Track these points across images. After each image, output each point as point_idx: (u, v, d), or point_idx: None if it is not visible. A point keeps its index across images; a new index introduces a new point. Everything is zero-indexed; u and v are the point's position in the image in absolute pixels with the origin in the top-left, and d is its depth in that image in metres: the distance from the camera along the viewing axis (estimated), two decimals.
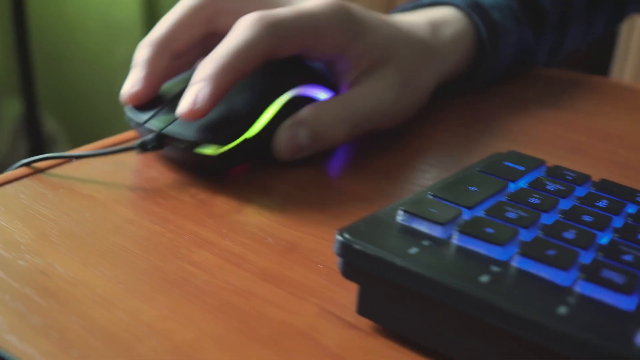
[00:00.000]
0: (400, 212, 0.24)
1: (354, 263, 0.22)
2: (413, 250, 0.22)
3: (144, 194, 0.31)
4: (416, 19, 0.40)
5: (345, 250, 0.22)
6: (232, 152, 0.32)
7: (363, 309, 0.23)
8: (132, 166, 0.33)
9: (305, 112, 0.33)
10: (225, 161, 0.32)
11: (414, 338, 0.22)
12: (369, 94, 0.35)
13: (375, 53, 0.35)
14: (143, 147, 0.31)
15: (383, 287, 0.22)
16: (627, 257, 0.22)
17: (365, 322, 0.23)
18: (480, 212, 0.24)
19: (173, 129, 0.31)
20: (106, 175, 0.32)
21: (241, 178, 0.33)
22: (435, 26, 0.40)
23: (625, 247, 0.23)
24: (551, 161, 0.32)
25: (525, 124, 0.42)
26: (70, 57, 1.42)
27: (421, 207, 0.24)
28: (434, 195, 0.25)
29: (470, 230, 0.23)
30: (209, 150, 0.31)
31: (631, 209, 0.27)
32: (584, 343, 0.19)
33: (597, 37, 0.57)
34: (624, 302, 0.20)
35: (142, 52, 0.34)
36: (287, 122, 0.33)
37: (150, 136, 0.31)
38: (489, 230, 0.23)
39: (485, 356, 0.21)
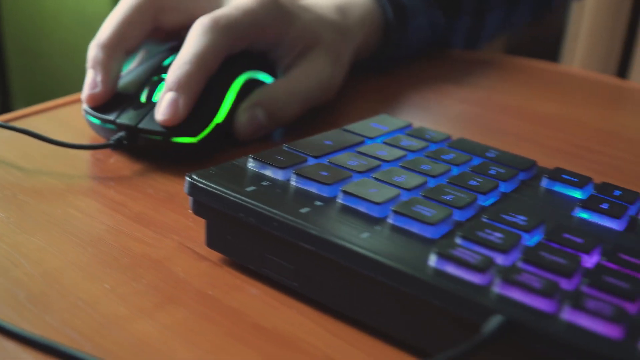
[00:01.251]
0: (250, 159, 0.27)
1: (199, 200, 0.25)
2: (250, 188, 0.25)
3: (50, 152, 0.34)
4: (325, 3, 0.43)
5: (193, 190, 0.25)
6: (209, 137, 0.34)
7: (210, 242, 0.26)
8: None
9: (259, 94, 0.36)
10: (204, 147, 0.34)
11: (253, 267, 0.25)
12: (311, 72, 0.38)
13: (306, 37, 0.38)
14: (119, 143, 0.33)
15: (225, 221, 0.25)
16: (447, 197, 0.25)
17: (215, 255, 0.26)
18: (324, 160, 0.27)
19: (147, 124, 0.33)
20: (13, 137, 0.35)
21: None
22: (342, 9, 0.43)
23: (449, 189, 0.26)
24: (449, 132, 0.34)
25: (431, 99, 0.45)
26: (44, 51, 1.44)
27: (270, 155, 0.27)
28: (288, 147, 0.28)
29: (306, 173, 0.25)
30: (188, 139, 0.33)
31: (476, 161, 0.30)
32: (383, 264, 0.22)
33: (526, 24, 0.60)
34: (427, 231, 0.23)
35: (95, 53, 0.35)
36: (244, 105, 0.35)
37: (122, 133, 0.33)
38: (324, 173, 0.26)
39: (308, 279, 0.24)
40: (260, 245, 0.24)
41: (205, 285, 0.24)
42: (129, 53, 0.37)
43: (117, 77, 0.35)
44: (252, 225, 0.24)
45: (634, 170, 0.39)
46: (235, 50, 0.35)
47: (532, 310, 0.20)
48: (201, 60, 0.33)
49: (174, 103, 0.32)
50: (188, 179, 0.25)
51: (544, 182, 0.29)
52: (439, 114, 0.44)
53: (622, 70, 0.79)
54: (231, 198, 0.24)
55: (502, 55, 0.55)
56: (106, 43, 0.35)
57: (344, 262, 0.22)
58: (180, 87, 0.33)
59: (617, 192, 0.28)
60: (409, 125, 0.33)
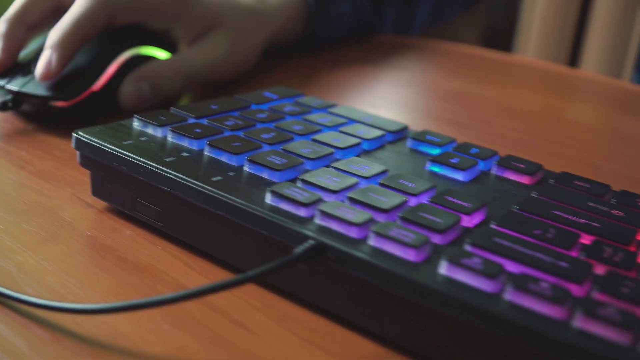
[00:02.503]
0: (135, 118, 0.30)
1: (84, 154, 0.28)
2: (127, 142, 0.28)
3: None
4: None
5: (78, 144, 0.28)
6: (82, 103, 0.37)
7: (95, 191, 0.29)
8: None
9: (145, 67, 0.39)
10: (76, 112, 0.37)
11: (128, 211, 0.28)
12: (201, 52, 0.41)
13: (207, 19, 0.41)
14: (4, 106, 0.36)
15: (104, 171, 0.28)
16: (304, 150, 0.28)
17: (102, 204, 0.29)
18: (203, 120, 0.30)
19: (29, 88, 0.36)
20: None
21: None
22: None
23: (310, 145, 0.29)
24: (356, 106, 0.37)
25: (349, 80, 0.49)
26: None
27: (154, 115, 0.30)
28: (174, 109, 0.31)
29: (180, 129, 0.28)
30: (62, 103, 0.36)
31: (349, 124, 0.32)
32: (226, 202, 0.24)
33: (460, 13, 0.63)
34: (274, 176, 0.26)
35: (1, 27, 0.38)
36: (130, 77, 0.38)
37: (9, 96, 0.36)
38: (197, 130, 0.29)
39: (171, 219, 0.27)
40: (132, 191, 0.27)
41: (86, 227, 0.28)
42: (32, 27, 0.39)
43: (18, 48, 0.38)
44: (124, 173, 0.27)
45: (529, 142, 0.42)
46: (118, 23, 0.38)
47: (342, 236, 0.23)
48: (76, 24, 0.36)
49: (48, 60, 0.35)
50: (74, 134, 0.28)
51: (409, 142, 0.32)
52: (359, 93, 0.47)
53: (574, 60, 0.81)
54: (107, 150, 0.27)
55: (431, 41, 0.58)
56: (10, 17, 0.38)
57: (196, 201, 0.25)
58: (55, 46, 0.36)
59: (474, 150, 0.31)
60: (300, 95, 0.36)
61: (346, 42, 0.54)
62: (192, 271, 0.25)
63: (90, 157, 0.28)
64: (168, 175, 0.26)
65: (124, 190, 0.28)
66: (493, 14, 1.04)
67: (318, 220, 0.23)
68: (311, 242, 0.22)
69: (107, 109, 0.38)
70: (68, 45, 0.36)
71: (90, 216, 0.28)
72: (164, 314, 0.23)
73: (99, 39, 0.38)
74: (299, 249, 0.22)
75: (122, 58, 0.39)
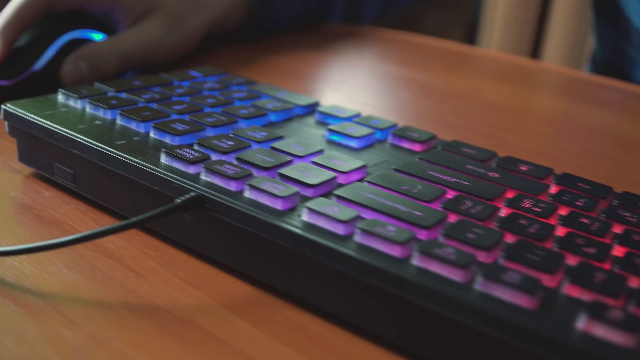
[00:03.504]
0: (60, 92, 0.32)
1: (11, 123, 0.31)
2: (48, 112, 0.30)
3: None
4: None
5: (6, 115, 0.31)
6: (23, 83, 0.40)
7: (21, 158, 0.31)
8: None
9: (83, 48, 0.41)
10: (18, 91, 0.39)
11: (49, 174, 0.30)
12: (136, 33, 0.43)
13: (144, 3, 0.44)
14: None
15: (27, 139, 0.31)
16: (209, 119, 0.31)
17: (28, 169, 0.32)
18: (122, 94, 0.33)
19: None
20: None
21: None
22: None
23: (216, 115, 0.31)
24: (288, 87, 0.40)
25: (290, 65, 0.51)
26: None
27: (77, 89, 0.33)
28: (98, 84, 0.34)
29: (97, 100, 0.31)
30: (3, 83, 0.39)
31: (263, 98, 0.35)
32: (124, 161, 0.27)
33: (414, 4, 0.65)
34: (175, 140, 0.29)
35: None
36: (69, 57, 0.41)
37: None
38: (113, 101, 0.31)
39: (82, 180, 0.29)
40: (50, 156, 0.30)
41: (10, 190, 0.30)
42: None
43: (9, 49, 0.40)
44: (43, 140, 0.30)
45: (449, 120, 0.44)
46: (58, 8, 0.41)
47: (222, 189, 0.25)
48: (18, 12, 0.39)
49: None
50: (3, 107, 0.31)
51: (316, 115, 0.34)
52: (299, 78, 0.50)
53: (535, 52, 0.84)
54: (29, 119, 0.30)
55: (378, 29, 0.61)
56: (6, 20, 0.39)
57: (100, 161, 0.28)
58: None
59: (375, 122, 0.33)
60: (224, 73, 0.38)
61: (293, 30, 0.57)
62: (94, 224, 0.28)
63: (16, 127, 0.31)
64: (78, 139, 0.28)
65: (44, 156, 0.30)
66: (473, 10, 1.07)
67: (203, 176, 0.26)
68: (192, 193, 0.25)
69: (49, 89, 0.41)
70: (10, 32, 0.39)
71: (16, 181, 0.31)
72: (64, 259, 0.25)
73: (40, 22, 0.41)
74: (180, 199, 0.25)
75: (62, 40, 0.42)
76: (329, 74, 0.51)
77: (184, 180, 0.26)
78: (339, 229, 0.23)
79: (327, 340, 0.23)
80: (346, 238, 0.23)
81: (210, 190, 0.25)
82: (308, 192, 0.26)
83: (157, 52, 0.45)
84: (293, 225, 0.23)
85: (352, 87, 0.49)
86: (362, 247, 0.23)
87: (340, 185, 0.27)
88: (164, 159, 0.27)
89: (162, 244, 0.27)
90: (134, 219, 0.24)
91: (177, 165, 0.27)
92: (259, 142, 0.29)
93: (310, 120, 0.34)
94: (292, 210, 0.24)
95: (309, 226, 0.23)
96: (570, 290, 0.21)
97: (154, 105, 0.32)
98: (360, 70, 0.53)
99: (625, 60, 0.67)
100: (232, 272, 0.26)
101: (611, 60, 0.69)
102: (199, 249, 0.26)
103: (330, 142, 0.31)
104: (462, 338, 0.21)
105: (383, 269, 0.22)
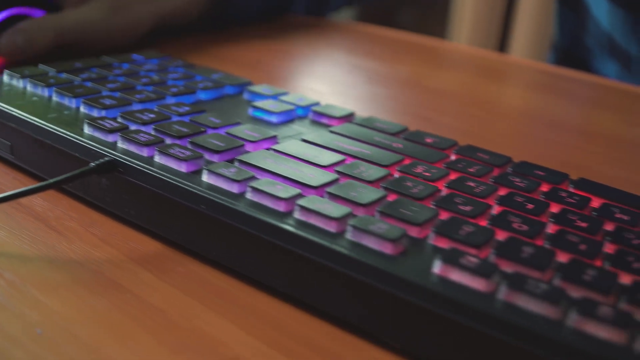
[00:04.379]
0: (5, 72, 0.35)
1: None
2: (19, 102, 0.33)
3: None
4: None
5: None
6: None
7: None
8: None
9: (22, 23, 0.43)
10: None
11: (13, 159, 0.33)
12: (77, 12, 0.45)
13: None
14: None
15: None
16: (138, 96, 0.33)
17: None
18: (62, 74, 0.35)
19: None
20: None
21: None
22: None
23: (145, 92, 0.34)
24: (239, 74, 0.43)
25: (249, 54, 0.54)
26: None
27: (22, 70, 0.35)
28: (42, 65, 0.36)
29: (37, 79, 0.34)
30: None
31: (197, 78, 0.37)
32: (48, 130, 0.30)
33: None
34: (101, 113, 0.31)
35: None
36: (7, 31, 0.43)
37: None
38: (52, 80, 0.34)
39: (19, 151, 0.32)
40: (21, 143, 0.32)
41: None
42: None
43: None
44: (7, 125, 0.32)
45: (390, 105, 0.47)
46: None
47: (134, 154, 0.28)
48: None
49: None
50: None
51: (245, 94, 0.37)
52: (258, 68, 0.52)
53: (503, 46, 0.86)
54: None
55: (338, 22, 0.64)
56: None
57: (34, 134, 0.30)
58: None
59: (300, 100, 0.36)
60: (165, 57, 0.41)
61: (255, 21, 0.60)
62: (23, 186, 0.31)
63: None
64: (14, 114, 0.31)
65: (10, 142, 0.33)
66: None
67: (119, 144, 0.28)
68: (106, 158, 0.27)
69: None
70: None
71: None
72: None
73: None
74: (94, 163, 0.27)
75: (2, 16, 0.44)
76: (288, 64, 0.54)
77: (103, 147, 0.28)
78: (234, 188, 0.26)
79: (227, 291, 0.25)
80: (239, 196, 0.25)
81: (123, 156, 0.27)
82: (214, 158, 0.28)
83: (95, 33, 0.46)
84: (194, 186, 0.26)
85: (308, 76, 0.51)
86: (252, 204, 0.25)
87: (248, 152, 0.29)
88: (86, 129, 0.29)
89: (84, 207, 0.29)
90: (51, 180, 0.27)
91: (97, 134, 0.29)
92: (179, 115, 0.31)
93: (240, 99, 0.36)
94: (195, 172, 0.27)
95: (208, 186, 0.26)
96: (437, 241, 0.24)
97: (89, 84, 0.34)
98: (318, 60, 0.55)
99: (583, 49, 0.69)
100: (143, 230, 0.28)
101: (570, 48, 0.71)
102: (115, 210, 0.29)
103: (253, 118, 0.34)
104: (321, 277, 0.23)
105: (268, 222, 0.24)
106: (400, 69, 0.56)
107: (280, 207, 0.25)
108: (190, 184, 0.26)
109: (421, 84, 0.52)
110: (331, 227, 0.24)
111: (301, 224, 0.24)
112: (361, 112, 0.40)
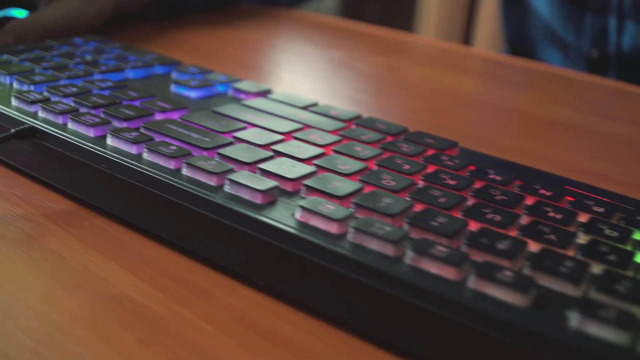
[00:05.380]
0: None
1: None
2: None
3: None
4: None
5: None
6: None
7: None
8: None
9: (10, 24, 0.47)
10: None
11: None
12: (57, 8, 0.49)
13: None
14: None
15: None
16: (68, 72, 0.36)
17: None
18: (4, 55, 0.38)
19: None
20: None
21: None
22: None
23: (75, 70, 0.37)
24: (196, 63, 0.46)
25: (198, 40, 0.57)
26: None
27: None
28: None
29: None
30: None
31: (131, 58, 0.40)
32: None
33: None
34: (30, 87, 0.34)
35: None
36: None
37: None
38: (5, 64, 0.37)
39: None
40: None
41: None
42: None
43: None
44: None
45: (321, 86, 0.50)
46: None
47: (51, 122, 0.31)
48: None
49: None
50: None
51: (173, 74, 0.39)
52: (205, 55, 0.55)
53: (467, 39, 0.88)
54: None
55: (288, 11, 0.67)
56: None
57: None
58: None
59: (222, 78, 0.39)
60: (104, 40, 0.44)
61: (208, 9, 0.63)
62: None
63: None
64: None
65: None
66: None
67: (40, 113, 0.31)
68: (25, 125, 0.30)
69: None
70: None
71: None
72: None
73: None
74: (13, 130, 0.30)
75: None
76: (235, 51, 0.57)
77: (25, 117, 0.31)
78: (133, 149, 0.28)
79: (122, 241, 0.28)
80: (138, 157, 0.28)
81: (41, 124, 0.30)
82: (123, 125, 0.31)
83: (74, 25, 0.50)
84: (99, 149, 0.29)
85: (252, 60, 0.54)
86: (149, 163, 0.28)
87: (158, 121, 0.32)
88: (13, 101, 0.32)
89: (11, 172, 0.32)
90: None
91: (22, 105, 0.32)
92: (101, 90, 0.34)
93: (168, 77, 0.39)
94: (102, 137, 0.30)
95: (112, 149, 0.29)
96: (361, 213, 0.25)
97: (25, 63, 0.37)
98: (262, 47, 0.58)
99: (528, 41, 0.72)
100: (59, 191, 0.31)
101: (517, 41, 0.73)
102: (35, 173, 0.32)
103: (174, 94, 0.37)
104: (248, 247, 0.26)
105: (159, 178, 0.27)
106: (334, 53, 0.58)
107: (171, 164, 0.27)
108: (96, 147, 0.29)
109: (355, 67, 0.55)
110: (212, 181, 0.26)
111: (188, 179, 0.27)
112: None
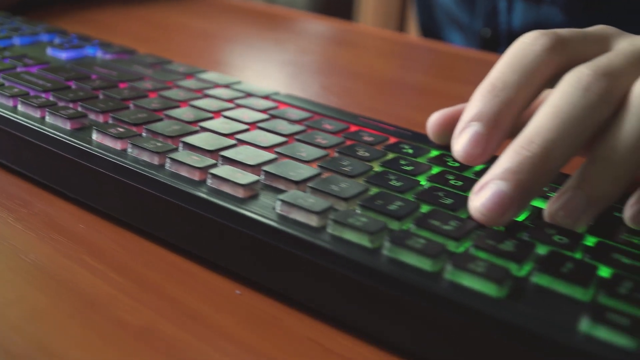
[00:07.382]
0: None
1: None
2: None
3: None
4: None
5: None
6: None
7: None
8: None
9: None
10: None
11: None
12: None
13: None
14: None
15: None
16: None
17: None
18: None
19: None
20: None
21: None
22: None
23: (18, 48, 0.43)
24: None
25: (123, 22, 0.63)
26: None
27: None
28: None
29: None
30: None
31: (25, 28, 0.47)
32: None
33: None
34: None
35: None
36: None
37: None
38: None
39: None
40: None
41: None
42: None
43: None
44: None
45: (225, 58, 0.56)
46: None
47: None
48: None
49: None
50: None
51: (55, 39, 0.46)
52: (118, 32, 0.62)
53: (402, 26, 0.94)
54: None
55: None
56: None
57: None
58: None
59: (96, 42, 0.45)
60: (7, 17, 0.50)
61: None
62: None
63: None
64: None
65: None
66: None
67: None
68: None
69: None
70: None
71: None
72: None
73: None
74: None
75: None
76: (139, 28, 0.63)
77: None
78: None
79: (73, 230, 0.29)
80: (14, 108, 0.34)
81: None
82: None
83: None
84: (28, 120, 0.35)
85: (168, 40, 0.61)
86: (24, 114, 0.34)
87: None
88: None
89: None
90: None
91: None
92: (10, 60, 0.40)
93: (50, 43, 0.46)
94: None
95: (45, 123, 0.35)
96: (269, 181, 0.28)
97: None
98: (183, 30, 0.65)
99: (435, 23, 0.78)
100: (24, 177, 0.34)
101: (427, 24, 0.79)
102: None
103: (48, 55, 0.43)
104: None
105: (31, 127, 0.33)
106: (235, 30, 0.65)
107: (37, 114, 0.34)
108: (24, 120, 0.33)
109: (279, 48, 0.62)
110: (117, 147, 0.33)
111: (97, 145, 0.31)
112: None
